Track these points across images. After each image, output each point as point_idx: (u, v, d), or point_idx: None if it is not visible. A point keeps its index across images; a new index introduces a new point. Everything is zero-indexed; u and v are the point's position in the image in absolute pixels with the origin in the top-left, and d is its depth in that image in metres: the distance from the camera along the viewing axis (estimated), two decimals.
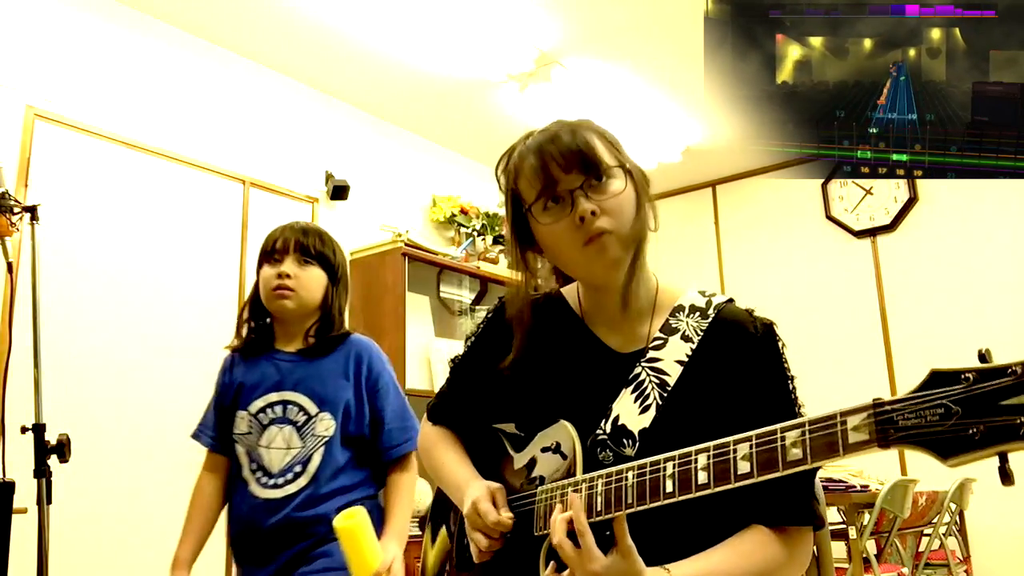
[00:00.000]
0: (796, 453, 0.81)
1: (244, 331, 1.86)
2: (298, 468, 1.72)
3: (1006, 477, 0.70)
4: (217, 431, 1.85)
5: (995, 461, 0.71)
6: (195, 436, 1.88)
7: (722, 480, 0.86)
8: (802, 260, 4.75)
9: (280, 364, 1.80)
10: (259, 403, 1.77)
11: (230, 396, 1.82)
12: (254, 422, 1.76)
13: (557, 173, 1.08)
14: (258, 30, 3.43)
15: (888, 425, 0.74)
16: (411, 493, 1.82)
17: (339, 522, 1.55)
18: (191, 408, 3.23)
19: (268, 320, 1.84)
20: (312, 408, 1.76)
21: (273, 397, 1.77)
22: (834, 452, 0.78)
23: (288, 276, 1.75)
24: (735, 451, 0.86)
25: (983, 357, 0.72)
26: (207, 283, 3.33)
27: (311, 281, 1.78)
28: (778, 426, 0.84)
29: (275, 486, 1.72)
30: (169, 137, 3.30)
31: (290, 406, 1.76)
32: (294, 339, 1.83)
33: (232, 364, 1.88)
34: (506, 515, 1.09)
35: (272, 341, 1.84)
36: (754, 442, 0.85)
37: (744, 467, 0.85)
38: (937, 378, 0.73)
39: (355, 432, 1.78)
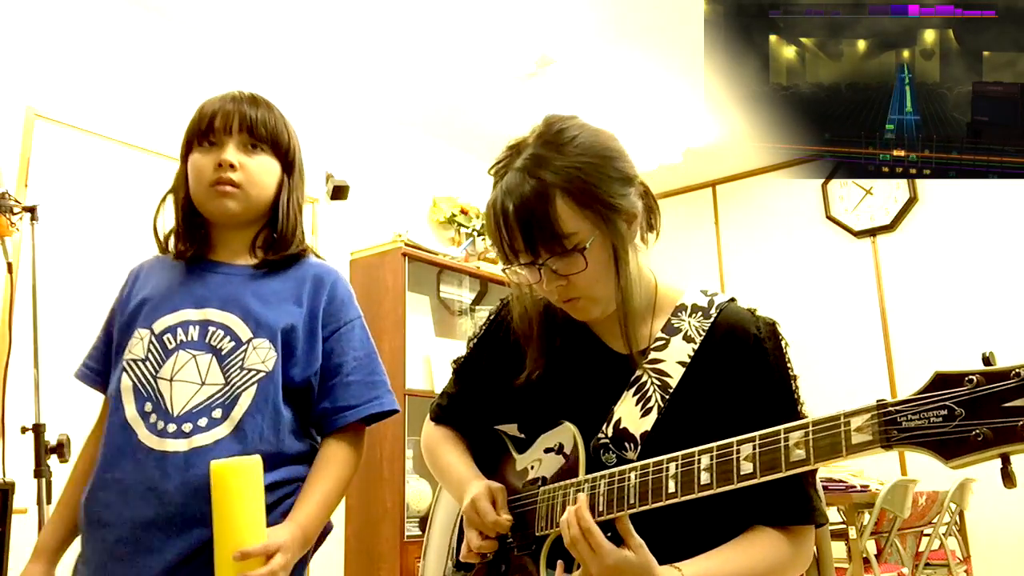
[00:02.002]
0: (799, 454, 0.81)
1: (173, 240, 1.37)
2: (216, 413, 1.20)
3: (1008, 478, 0.70)
4: (102, 362, 1.35)
5: (995, 462, 0.71)
6: (78, 375, 1.40)
7: (725, 480, 0.87)
8: (802, 260, 4.75)
9: (210, 278, 1.30)
10: (168, 319, 1.26)
11: (126, 314, 1.31)
12: (155, 345, 1.24)
13: (514, 252, 1.06)
14: (258, 30, 3.43)
15: (891, 426, 0.74)
16: (344, 478, 1.27)
17: (219, 464, 1.12)
18: None
19: (203, 226, 1.35)
20: (244, 332, 1.24)
21: (190, 314, 1.26)
22: (837, 453, 0.78)
23: (232, 167, 1.27)
24: (738, 452, 0.86)
25: (987, 360, 0.72)
26: None
27: (261, 173, 1.29)
28: (782, 427, 0.84)
29: (179, 434, 1.18)
30: (169, 137, 3.29)
31: (213, 328, 1.25)
32: (235, 250, 1.33)
33: (138, 275, 1.40)
34: (505, 516, 1.09)
35: (205, 251, 1.34)
36: (757, 443, 0.85)
37: (747, 467, 0.85)
38: (941, 380, 0.73)
39: (299, 380, 1.26)
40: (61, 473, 1.95)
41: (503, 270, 1.12)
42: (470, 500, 1.11)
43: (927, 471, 3.14)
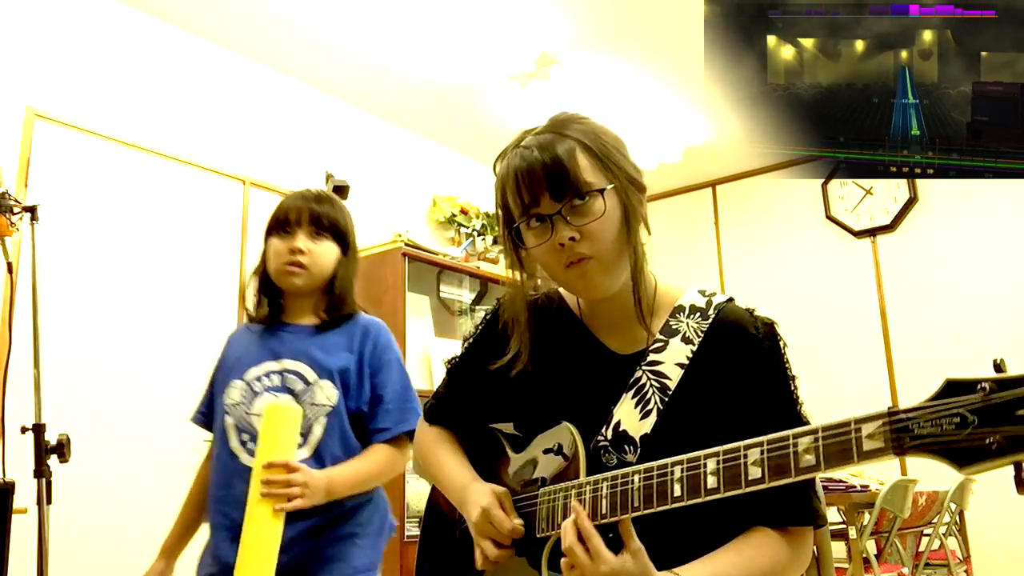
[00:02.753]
0: (809, 459, 0.81)
1: (257, 305, 1.73)
2: (297, 440, 1.57)
3: (1021, 485, 0.70)
4: (209, 407, 1.73)
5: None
6: (194, 420, 1.77)
7: (732, 485, 0.86)
8: (802, 260, 4.75)
9: (284, 336, 1.69)
10: (255, 370, 1.65)
11: (224, 370, 1.71)
12: (247, 390, 1.63)
13: (535, 197, 1.06)
14: (258, 30, 3.42)
15: (903, 433, 0.74)
16: (383, 467, 1.64)
17: (271, 405, 1.53)
18: (191, 407, 3.24)
19: (279, 295, 1.73)
20: (311, 375, 1.63)
21: (272, 366, 1.65)
22: (848, 459, 0.78)
23: (301, 252, 1.64)
24: (746, 456, 0.86)
25: (998, 367, 0.72)
26: (207, 283, 3.33)
27: (324, 256, 1.67)
28: (790, 432, 0.83)
29: None
30: (169, 137, 3.30)
31: (288, 375, 1.63)
32: (302, 313, 1.71)
33: (231, 341, 1.78)
34: (518, 522, 1.07)
35: (280, 314, 1.72)
36: (765, 447, 0.85)
37: (755, 472, 0.85)
38: (952, 387, 0.73)
39: (354, 408, 1.64)
40: (61, 473, 1.95)
41: (511, 237, 1.12)
42: (482, 510, 1.08)
43: (927, 471, 3.13)
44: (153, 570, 1.70)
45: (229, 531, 1.56)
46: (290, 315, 1.72)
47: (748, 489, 0.85)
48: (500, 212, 1.14)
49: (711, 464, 0.88)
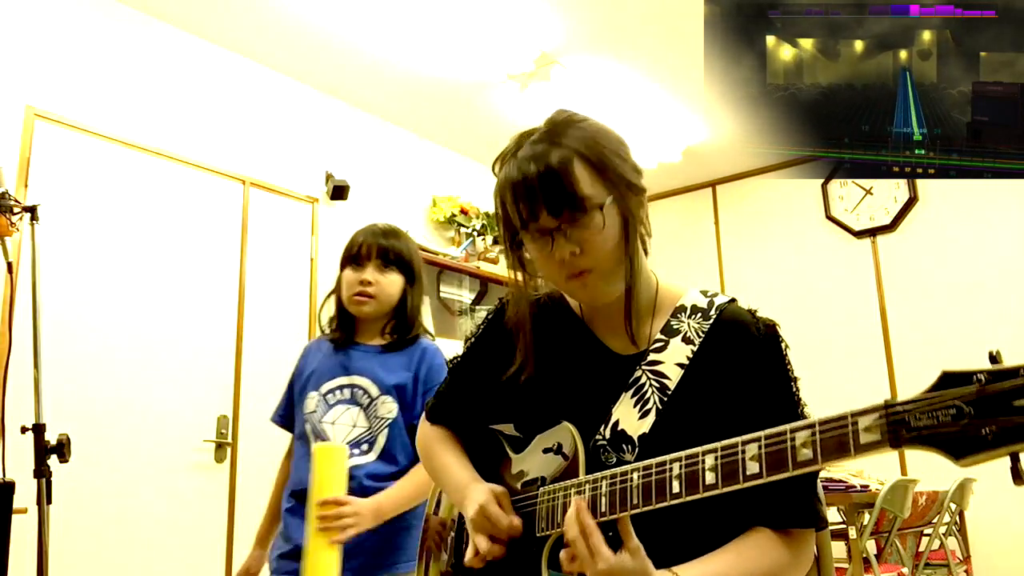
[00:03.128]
0: (806, 453, 0.80)
1: (335, 328, 1.96)
2: (364, 446, 1.82)
3: (1018, 476, 0.70)
4: (287, 411, 1.98)
5: (998, 463, 0.71)
6: (272, 419, 2.02)
7: (730, 480, 0.86)
8: (802, 260, 4.75)
9: (354, 353, 1.90)
10: (329, 384, 1.88)
11: (302, 380, 1.94)
12: (321, 401, 1.87)
13: (533, 212, 1.05)
14: (258, 30, 3.42)
15: (900, 426, 0.74)
16: (421, 484, 1.79)
17: (319, 445, 1.73)
18: (191, 408, 3.25)
19: (352, 317, 1.94)
20: (375, 391, 1.84)
21: (342, 380, 1.88)
22: (845, 452, 0.77)
23: (369, 283, 1.85)
24: (744, 451, 0.86)
25: (993, 358, 0.72)
26: (207, 283, 3.33)
27: (390, 286, 1.88)
28: (788, 426, 0.83)
29: None
30: (169, 137, 3.30)
31: (356, 389, 1.86)
32: (371, 335, 1.93)
33: (310, 351, 2.00)
34: (517, 520, 1.08)
35: (352, 335, 1.95)
36: (763, 442, 0.84)
37: (753, 467, 0.84)
38: (948, 379, 0.73)
39: (409, 422, 1.85)
40: (61, 473, 1.95)
41: (512, 243, 1.11)
42: (478, 506, 1.09)
43: (927, 471, 3.14)
44: (251, 557, 1.96)
45: (302, 518, 1.76)
46: (361, 335, 1.94)
47: (746, 484, 0.85)
48: (500, 216, 1.13)
49: (709, 460, 0.88)
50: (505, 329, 1.22)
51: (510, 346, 1.20)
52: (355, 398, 1.86)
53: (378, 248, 1.87)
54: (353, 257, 1.88)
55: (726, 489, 0.86)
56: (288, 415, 1.98)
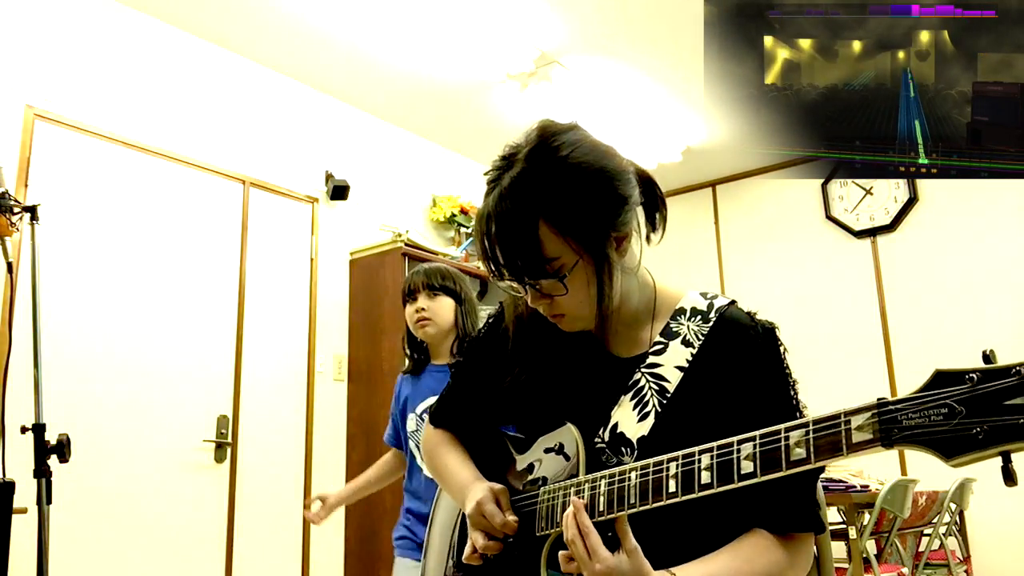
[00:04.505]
0: (800, 453, 0.81)
1: (409, 359, 2.29)
2: None
3: (1009, 477, 0.70)
4: (394, 432, 2.32)
5: (996, 462, 0.71)
6: (385, 440, 2.36)
7: (725, 480, 0.86)
8: (802, 260, 4.75)
9: (434, 375, 2.22)
10: (423, 406, 2.19)
11: (399, 404, 2.28)
12: (418, 421, 2.19)
13: (499, 271, 1.06)
14: (258, 30, 3.42)
15: (892, 425, 0.74)
16: None
17: None
18: (191, 408, 3.25)
19: (424, 345, 2.27)
20: None
21: (431, 401, 2.03)
22: (837, 452, 0.77)
23: (423, 309, 2.16)
24: (739, 451, 0.86)
25: (987, 358, 0.72)
26: (207, 283, 3.33)
27: (441, 308, 2.18)
28: (782, 426, 0.83)
29: None
30: (169, 137, 3.30)
31: None
32: (443, 355, 2.23)
33: (402, 382, 2.32)
34: (512, 517, 1.09)
35: (428, 359, 2.28)
36: (758, 441, 0.85)
37: (747, 467, 0.84)
38: (941, 378, 0.73)
39: None
40: (61, 473, 1.95)
41: (491, 278, 1.13)
42: (475, 503, 1.10)
43: (927, 471, 3.14)
44: (334, 495, 2.40)
45: (417, 515, 2.12)
46: (435, 358, 2.27)
47: (741, 484, 0.85)
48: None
49: (705, 459, 0.88)
50: (505, 332, 1.22)
51: (508, 349, 1.20)
52: None
53: (423, 281, 2.19)
54: (407, 294, 2.22)
55: (721, 488, 0.86)
56: (397, 435, 2.31)
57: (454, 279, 2.24)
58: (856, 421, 0.76)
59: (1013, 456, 0.69)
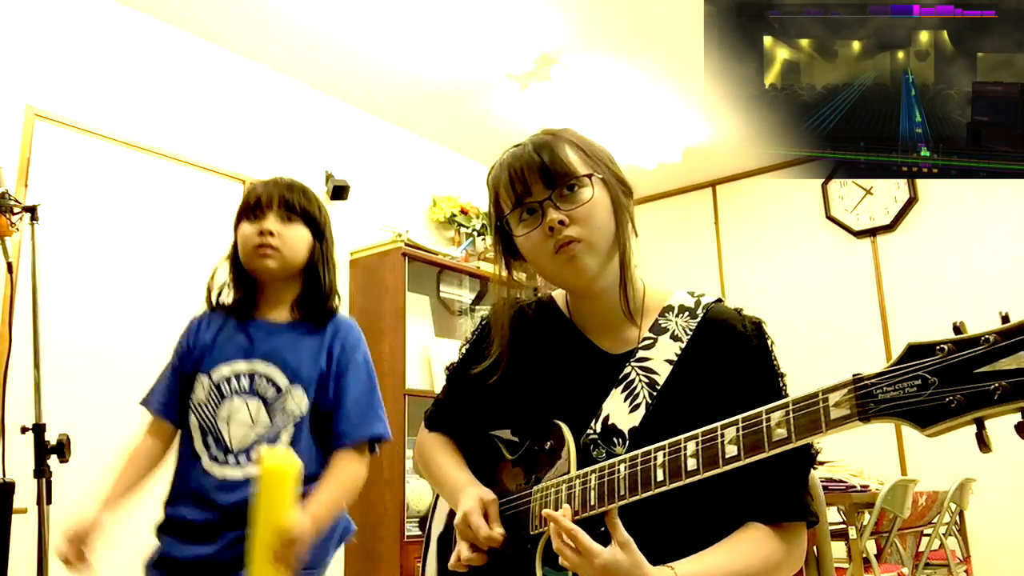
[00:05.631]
0: (781, 433, 0.82)
1: (224, 294, 1.67)
2: (264, 448, 1.48)
3: (983, 443, 0.71)
4: (167, 397, 1.63)
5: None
6: (143, 402, 1.67)
7: (711, 465, 0.88)
8: (802, 260, 4.75)
9: (255, 332, 1.60)
10: (224, 370, 1.57)
11: (191, 359, 1.62)
12: (214, 391, 1.57)
13: (526, 186, 1.11)
14: (258, 30, 3.43)
15: (868, 399, 0.76)
16: (347, 483, 1.54)
17: (270, 460, 1.35)
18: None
19: (253, 285, 1.65)
20: (283, 380, 1.56)
21: (241, 366, 1.57)
22: (817, 429, 0.79)
23: (271, 234, 1.57)
24: (722, 436, 0.88)
25: (957, 328, 0.74)
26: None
27: (295, 239, 1.60)
28: (763, 408, 0.85)
29: (235, 464, 1.52)
30: (169, 137, 3.30)
31: (258, 378, 1.56)
32: (278, 307, 1.63)
33: (200, 326, 1.66)
34: (498, 531, 1.09)
35: (253, 308, 1.64)
36: (740, 425, 0.87)
37: (732, 450, 0.86)
38: (914, 351, 0.74)
39: (325, 409, 1.59)
40: (61, 473, 1.95)
41: (500, 226, 1.17)
42: (463, 513, 1.11)
43: (927, 471, 3.14)
44: (86, 520, 1.66)
45: (182, 529, 1.56)
46: (263, 310, 1.64)
47: (726, 468, 0.87)
48: (492, 211, 1.19)
49: (691, 447, 0.90)
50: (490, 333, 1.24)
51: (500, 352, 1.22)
52: (256, 389, 1.56)
53: (279, 197, 1.60)
54: (251, 208, 1.60)
55: (707, 474, 0.88)
56: (172, 403, 1.62)
57: (319, 207, 1.67)
58: (834, 398, 0.78)
59: (987, 424, 0.71)
